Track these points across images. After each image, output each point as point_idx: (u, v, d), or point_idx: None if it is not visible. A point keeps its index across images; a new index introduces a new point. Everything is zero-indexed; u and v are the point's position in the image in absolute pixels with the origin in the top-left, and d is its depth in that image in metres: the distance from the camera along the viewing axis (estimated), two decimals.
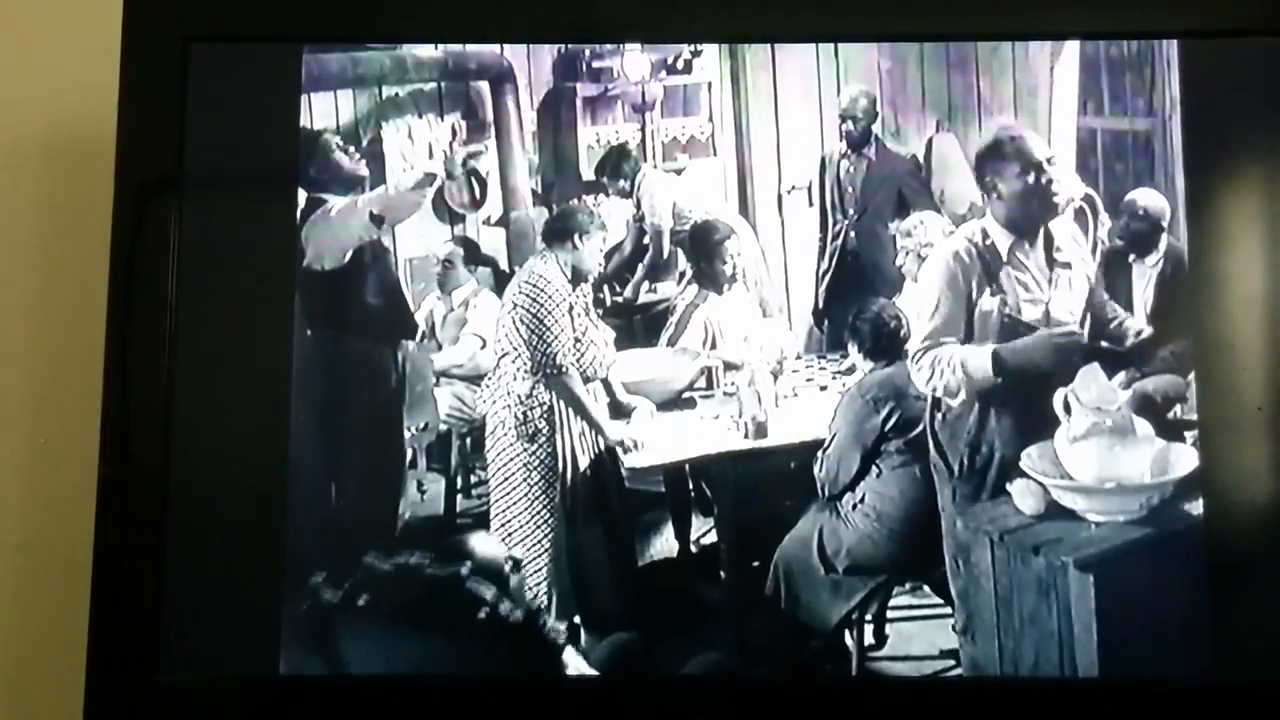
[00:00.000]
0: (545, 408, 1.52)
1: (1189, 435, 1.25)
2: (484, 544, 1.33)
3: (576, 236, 1.52)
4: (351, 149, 1.46)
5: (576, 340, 1.53)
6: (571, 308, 1.53)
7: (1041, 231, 1.36)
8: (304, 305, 1.30)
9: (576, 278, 1.53)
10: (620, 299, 1.71)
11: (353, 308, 1.40)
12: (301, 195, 1.34)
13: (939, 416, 1.36)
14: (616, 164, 1.72)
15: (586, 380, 1.53)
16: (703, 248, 1.65)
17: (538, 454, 1.51)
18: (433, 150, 1.63)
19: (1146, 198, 1.36)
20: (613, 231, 1.64)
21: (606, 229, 1.57)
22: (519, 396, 1.52)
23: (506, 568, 1.30)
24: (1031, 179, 1.35)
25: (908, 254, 1.51)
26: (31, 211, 1.46)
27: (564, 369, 1.51)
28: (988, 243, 1.36)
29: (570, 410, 1.53)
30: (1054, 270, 1.36)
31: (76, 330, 1.37)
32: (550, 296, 1.51)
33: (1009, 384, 1.31)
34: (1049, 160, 1.35)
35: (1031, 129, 1.40)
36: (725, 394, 1.60)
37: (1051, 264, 1.36)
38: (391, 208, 1.43)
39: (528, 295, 1.51)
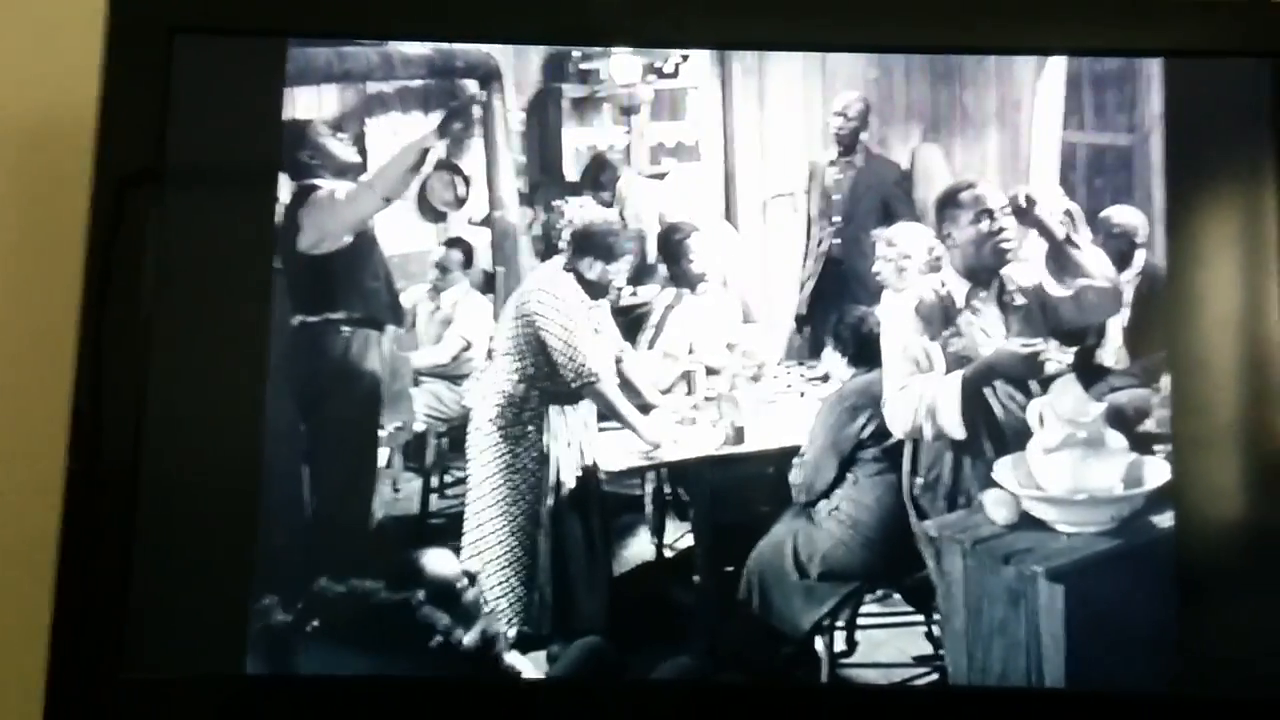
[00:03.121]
0: (535, 412, 1.52)
1: (1161, 449, 1.26)
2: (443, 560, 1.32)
3: (606, 260, 1.52)
4: (341, 135, 1.46)
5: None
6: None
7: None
8: (290, 292, 1.29)
9: (597, 293, 1.53)
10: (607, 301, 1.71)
11: (338, 297, 1.40)
12: (287, 183, 1.34)
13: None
14: (600, 167, 1.72)
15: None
16: (669, 248, 1.65)
17: (523, 457, 1.51)
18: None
19: (1122, 214, 1.36)
20: None
21: (633, 254, 1.58)
22: (512, 398, 1.52)
23: (481, 572, 1.29)
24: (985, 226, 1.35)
25: (887, 263, 1.52)
26: (7, 202, 1.45)
27: (599, 377, 1.51)
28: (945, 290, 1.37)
29: (564, 419, 1.52)
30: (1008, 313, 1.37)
31: (48, 323, 1.36)
32: (575, 308, 1.51)
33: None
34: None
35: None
36: (705, 398, 1.60)
37: (1005, 307, 1.37)
38: (392, 189, 1.44)
39: (551, 306, 1.51)
